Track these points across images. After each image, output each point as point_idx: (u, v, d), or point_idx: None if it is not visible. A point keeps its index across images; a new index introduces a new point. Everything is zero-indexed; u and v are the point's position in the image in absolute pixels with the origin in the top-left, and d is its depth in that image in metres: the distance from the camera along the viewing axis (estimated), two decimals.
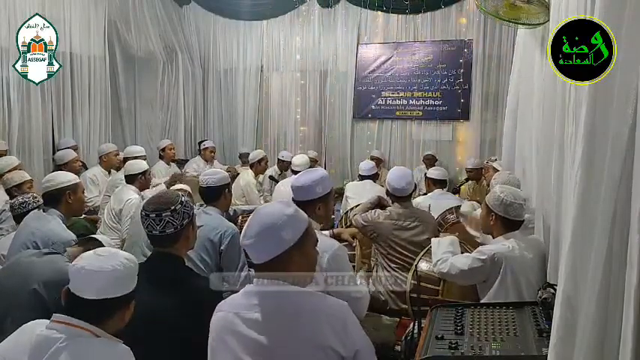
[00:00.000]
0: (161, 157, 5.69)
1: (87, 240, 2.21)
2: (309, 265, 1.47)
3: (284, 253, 1.37)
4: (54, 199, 2.63)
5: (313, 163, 5.96)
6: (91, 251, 1.44)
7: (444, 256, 2.31)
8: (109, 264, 1.38)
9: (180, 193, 1.92)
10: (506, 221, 2.24)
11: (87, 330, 1.36)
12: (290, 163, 5.28)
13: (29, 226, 2.56)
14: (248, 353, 1.33)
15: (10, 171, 3.73)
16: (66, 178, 2.71)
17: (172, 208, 1.78)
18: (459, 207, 3.53)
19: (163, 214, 1.76)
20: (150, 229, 1.78)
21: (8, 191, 3.43)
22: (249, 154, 6.20)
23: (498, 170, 3.98)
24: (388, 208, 3.00)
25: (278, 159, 5.84)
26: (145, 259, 2.71)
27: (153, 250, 1.87)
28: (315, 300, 1.40)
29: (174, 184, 4.17)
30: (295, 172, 4.83)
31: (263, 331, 1.33)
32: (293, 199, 2.28)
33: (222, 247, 2.53)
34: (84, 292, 1.36)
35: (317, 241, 1.52)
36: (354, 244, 2.86)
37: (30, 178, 3.61)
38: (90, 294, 1.36)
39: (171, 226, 1.77)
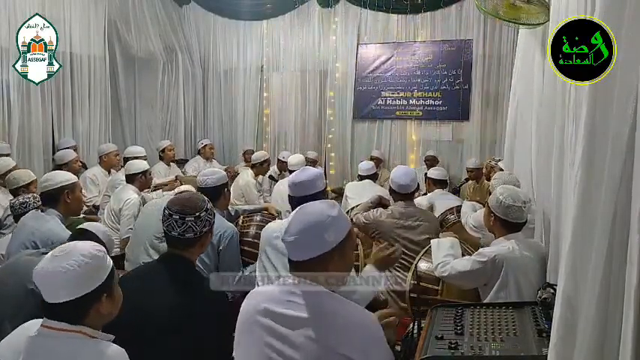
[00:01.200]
0: (161, 158, 5.70)
1: (79, 233, 2.18)
2: (345, 268, 1.47)
3: (324, 254, 1.37)
4: (52, 198, 2.62)
5: (313, 163, 5.97)
6: (50, 252, 1.38)
7: (445, 259, 2.31)
8: (62, 265, 1.30)
9: (206, 199, 1.91)
10: (506, 223, 2.24)
11: (78, 332, 1.32)
12: None
13: (28, 226, 2.56)
14: (272, 346, 1.34)
15: (9, 171, 3.72)
16: (64, 177, 2.71)
17: (197, 214, 1.78)
18: (459, 207, 3.53)
19: (187, 218, 1.76)
20: (169, 229, 1.77)
21: (15, 191, 3.42)
22: (253, 151, 6.21)
23: (503, 170, 3.98)
24: (390, 207, 3.00)
25: (278, 159, 5.85)
26: (149, 258, 2.73)
27: (166, 251, 1.87)
28: (346, 309, 1.39)
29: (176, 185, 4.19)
30: (292, 172, 4.84)
31: (289, 328, 1.34)
32: (291, 197, 2.30)
33: (220, 248, 2.54)
34: (47, 297, 1.32)
35: (357, 245, 1.51)
36: (357, 243, 2.86)
37: (35, 178, 3.61)
38: (50, 298, 1.31)
39: (192, 231, 1.77)
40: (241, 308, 1.46)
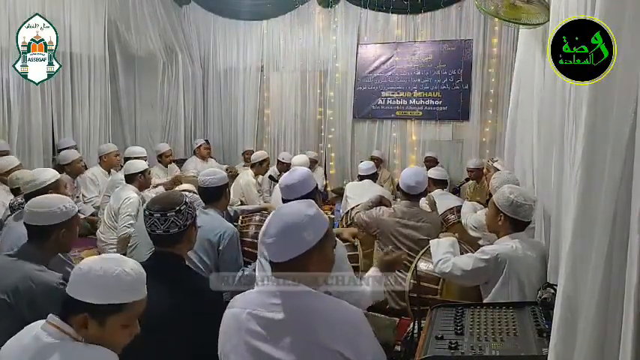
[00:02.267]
0: (159, 161, 5.71)
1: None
2: (326, 267, 1.47)
3: (304, 253, 1.37)
4: None
5: (313, 163, 5.97)
6: (98, 256, 1.37)
7: (445, 256, 2.31)
8: (104, 269, 1.28)
9: (185, 193, 1.92)
10: (515, 222, 2.24)
11: (74, 339, 1.29)
12: (289, 164, 5.28)
13: (16, 230, 2.48)
14: (259, 350, 1.33)
15: (11, 170, 3.72)
16: (47, 176, 2.68)
17: (177, 208, 1.79)
18: (459, 207, 3.53)
19: (168, 214, 1.77)
20: (153, 229, 1.78)
21: (16, 191, 3.41)
22: (253, 152, 6.24)
23: (499, 170, 3.97)
24: (393, 205, 3.01)
25: (278, 160, 5.84)
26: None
27: (154, 250, 1.86)
28: (330, 304, 1.39)
29: (177, 184, 4.17)
30: None
31: (276, 331, 1.33)
32: (284, 200, 2.29)
33: (220, 248, 2.53)
34: (78, 295, 1.29)
35: (336, 243, 1.51)
36: (356, 244, 2.86)
37: None
38: (76, 294, 1.29)
39: (175, 226, 1.77)
40: (224, 316, 1.44)
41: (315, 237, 1.38)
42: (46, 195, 2.19)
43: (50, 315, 1.33)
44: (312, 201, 1.57)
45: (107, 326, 1.30)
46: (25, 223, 2.03)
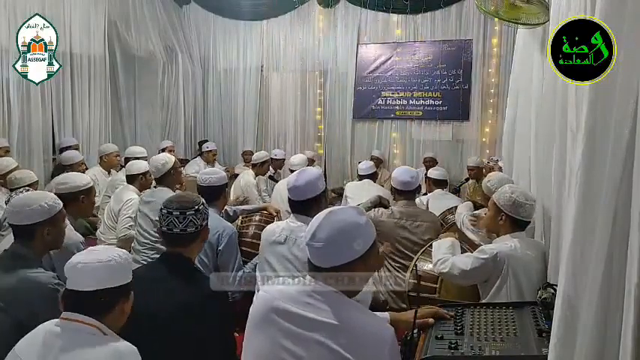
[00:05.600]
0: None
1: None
2: (367, 275, 1.45)
3: (350, 262, 1.36)
4: (67, 201, 2.57)
5: (310, 162, 5.96)
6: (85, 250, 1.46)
7: (445, 256, 2.31)
8: (105, 256, 1.40)
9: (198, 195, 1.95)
10: (516, 221, 2.24)
11: (94, 326, 1.36)
12: (283, 160, 5.29)
13: (7, 240, 2.48)
14: (284, 346, 1.33)
15: (10, 172, 3.72)
16: (82, 181, 2.66)
17: (196, 207, 1.80)
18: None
19: (187, 213, 1.77)
20: (170, 227, 1.77)
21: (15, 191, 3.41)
22: (252, 152, 6.24)
23: (502, 170, 3.96)
24: (391, 207, 3.00)
25: (271, 158, 5.81)
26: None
27: (165, 251, 1.86)
28: (364, 317, 1.39)
29: None
30: (293, 172, 4.85)
31: (304, 330, 1.32)
32: (292, 200, 2.29)
33: (219, 248, 2.53)
34: (74, 285, 1.37)
35: (379, 251, 1.50)
36: None
37: (37, 179, 3.59)
38: (78, 286, 1.37)
39: (193, 225, 1.78)
40: (255, 301, 1.45)
41: (363, 247, 1.37)
42: (28, 193, 2.15)
43: (67, 313, 1.37)
44: (362, 208, 1.55)
45: (117, 309, 1.42)
46: (9, 222, 2.00)
